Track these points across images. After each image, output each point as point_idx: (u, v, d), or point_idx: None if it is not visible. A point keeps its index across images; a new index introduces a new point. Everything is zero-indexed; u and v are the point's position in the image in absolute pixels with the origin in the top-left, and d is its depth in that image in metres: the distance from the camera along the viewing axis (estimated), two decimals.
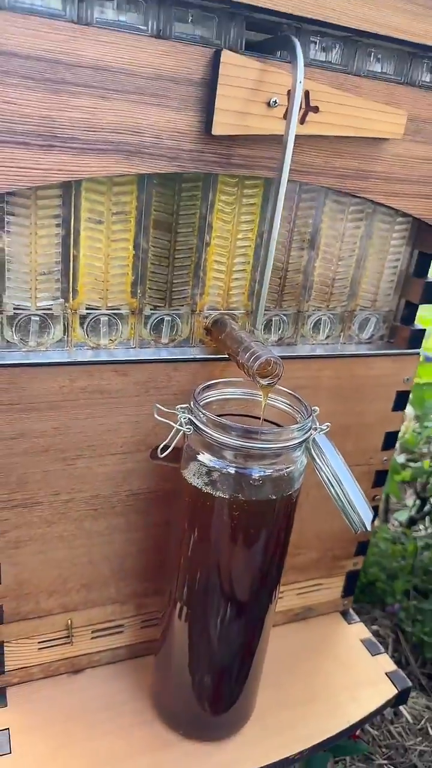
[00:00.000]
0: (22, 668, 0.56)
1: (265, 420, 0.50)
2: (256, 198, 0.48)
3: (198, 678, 0.52)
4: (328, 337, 0.56)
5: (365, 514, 0.48)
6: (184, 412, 0.45)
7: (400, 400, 0.60)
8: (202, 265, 0.48)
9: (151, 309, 0.48)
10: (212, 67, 0.40)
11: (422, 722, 0.77)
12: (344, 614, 0.70)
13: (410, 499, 1.23)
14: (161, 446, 0.46)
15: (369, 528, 0.48)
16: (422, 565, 1.02)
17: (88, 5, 0.37)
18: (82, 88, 0.38)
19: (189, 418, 0.45)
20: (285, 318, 0.54)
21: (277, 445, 0.44)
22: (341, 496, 0.47)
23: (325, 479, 0.47)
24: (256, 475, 0.45)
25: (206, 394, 0.48)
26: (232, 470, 0.45)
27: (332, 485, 0.47)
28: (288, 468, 0.46)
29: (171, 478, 0.52)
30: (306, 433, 0.45)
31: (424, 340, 0.58)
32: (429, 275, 0.56)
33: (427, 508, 1.18)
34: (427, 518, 1.18)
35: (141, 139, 0.40)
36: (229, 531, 0.46)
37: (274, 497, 0.46)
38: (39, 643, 0.55)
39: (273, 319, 0.53)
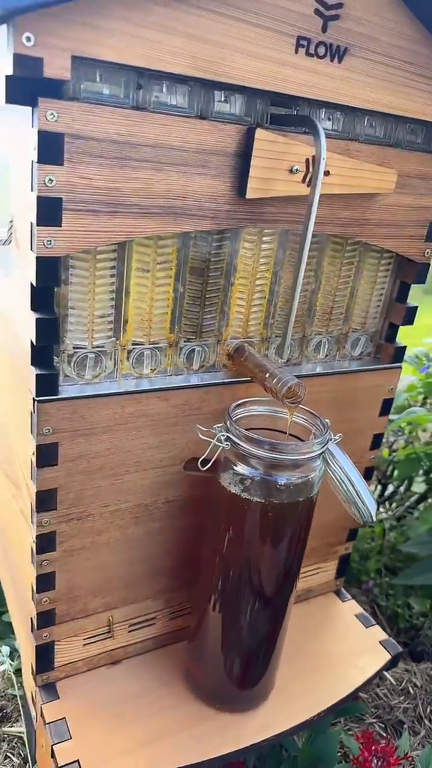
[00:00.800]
0: (68, 663, 0.62)
1: (283, 432, 0.58)
2: (272, 244, 0.55)
3: (231, 659, 0.60)
4: (326, 356, 0.65)
5: (372, 506, 0.57)
6: (221, 431, 0.53)
7: (386, 407, 0.69)
8: (228, 302, 0.56)
9: (185, 341, 0.55)
10: (245, 141, 0.47)
11: (403, 683, 0.88)
12: (337, 593, 0.80)
13: (372, 485, 1.35)
14: (201, 460, 0.53)
15: (375, 518, 0.57)
16: (389, 545, 1.14)
17: (146, 93, 0.44)
18: (142, 162, 0.44)
19: (227, 436, 0.52)
20: (292, 342, 0.62)
21: (302, 457, 0.52)
22: (353, 493, 0.56)
23: (338, 479, 0.56)
24: (282, 482, 0.53)
25: (236, 411, 0.55)
26: (263, 478, 0.53)
27: (345, 484, 0.56)
28: (310, 475, 0.54)
29: (200, 486, 0.60)
30: (324, 445, 0.53)
31: None
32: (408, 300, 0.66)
33: (387, 492, 1.30)
34: (387, 502, 1.30)
35: (187, 203, 0.47)
36: (260, 530, 0.54)
37: (298, 500, 0.54)
38: (84, 639, 0.62)
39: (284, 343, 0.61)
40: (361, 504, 0.56)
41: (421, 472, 1.19)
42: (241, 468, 0.53)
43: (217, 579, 0.58)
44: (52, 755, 0.56)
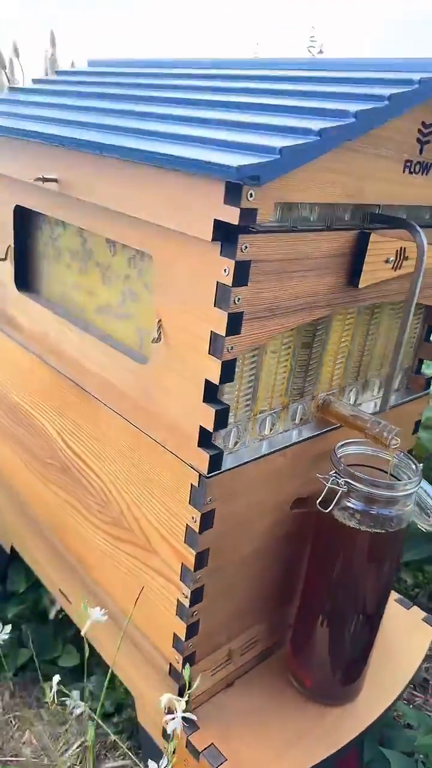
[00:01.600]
0: (198, 696, 0.69)
1: (366, 466, 0.69)
2: (354, 314, 0.66)
3: (338, 663, 0.71)
4: (378, 393, 0.76)
5: None
6: (337, 476, 0.63)
7: (416, 427, 0.83)
8: (321, 365, 0.65)
9: (292, 402, 0.64)
10: (357, 242, 0.57)
11: None
12: None
13: None
14: (320, 501, 0.63)
15: None
16: None
17: (293, 213, 0.52)
18: (292, 273, 0.53)
19: (346, 480, 0.62)
20: (358, 388, 0.73)
21: (405, 492, 0.63)
22: (430, 503, 0.69)
23: (419, 495, 0.69)
24: (387, 513, 0.64)
25: (340, 452, 0.65)
26: (372, 511, 0.63)
27: (424, 497, 0.69)
28: (406, 507, 0.65)
29: (299, 522, 0.69)
30: (420, 480, 0.65)
31: None
32: None
33: None
34: None
35: (316, 298, 0.56)
36: (370, 555, 0.65)
37: (401, 527, 0.65)
38: (211, 672, 0.69)
39: (352, 389, 0.72)
40: None
41: None
42: (351, 503, 0.64)
43: (328, 599, 0.68)
44: None
